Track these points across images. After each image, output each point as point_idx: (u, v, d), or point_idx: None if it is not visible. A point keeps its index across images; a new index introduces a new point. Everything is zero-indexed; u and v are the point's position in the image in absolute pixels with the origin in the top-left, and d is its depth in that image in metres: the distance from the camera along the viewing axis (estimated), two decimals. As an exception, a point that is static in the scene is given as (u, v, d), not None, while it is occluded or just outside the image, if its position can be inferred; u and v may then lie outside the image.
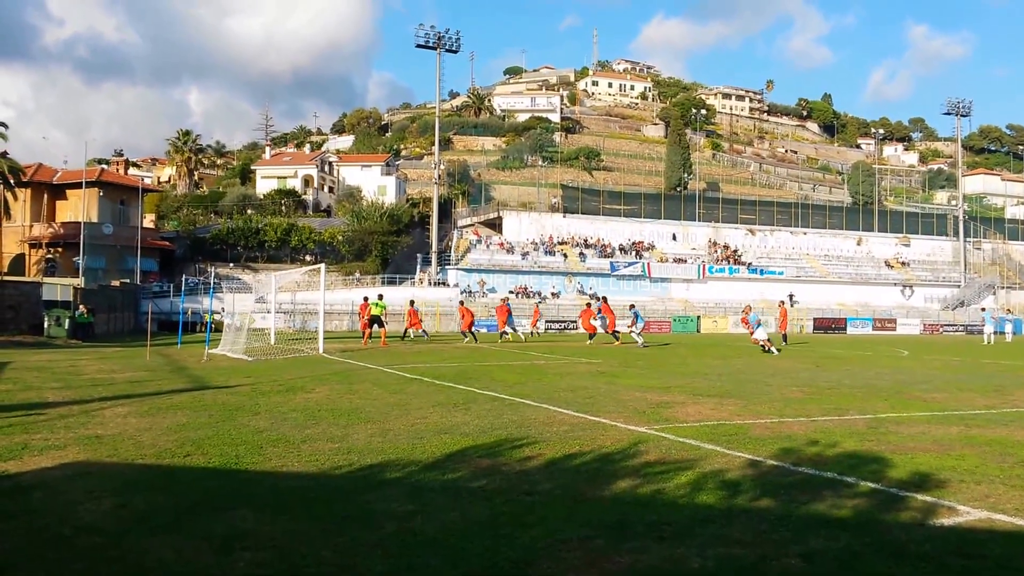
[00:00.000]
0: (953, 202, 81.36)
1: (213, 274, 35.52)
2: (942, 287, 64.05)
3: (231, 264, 53.02)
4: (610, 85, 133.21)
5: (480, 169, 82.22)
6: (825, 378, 15.75)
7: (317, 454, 7.13)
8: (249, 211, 63.04)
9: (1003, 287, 64.53)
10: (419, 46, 52.53)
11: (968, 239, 69.06)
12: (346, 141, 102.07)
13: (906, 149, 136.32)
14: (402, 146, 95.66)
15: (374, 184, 70.87)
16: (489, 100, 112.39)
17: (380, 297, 29.24)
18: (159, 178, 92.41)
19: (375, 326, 27.84)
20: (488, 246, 57.14)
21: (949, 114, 68.94)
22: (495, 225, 62.26)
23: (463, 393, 12.04)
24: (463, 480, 6.18)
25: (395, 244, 56.60)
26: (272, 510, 5.29)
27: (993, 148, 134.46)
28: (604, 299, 29.68)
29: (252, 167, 79.05)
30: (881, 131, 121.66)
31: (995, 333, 36.50)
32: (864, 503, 5.58)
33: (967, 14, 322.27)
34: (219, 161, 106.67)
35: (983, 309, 48.96)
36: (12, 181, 45.13)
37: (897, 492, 5.87)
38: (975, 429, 8.91)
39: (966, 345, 34.13)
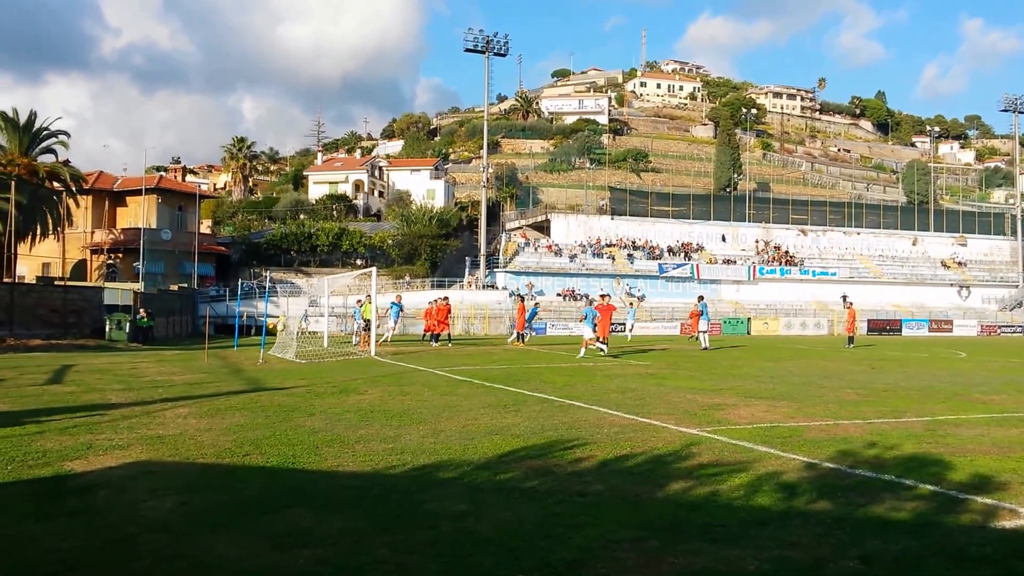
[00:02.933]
0: (1011, 200, 78.81)
1: (268, 278, 36.23)
2: (1000, 287, 62.09)
3: (284, 268, 54.06)
4: (658, 86, 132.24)
5: (528, 172, 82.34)
6: (880, 380, 15.43)
7: (371, 454, 7.25)
8: (302, 216, 64.16)
9: (1067, 287, 62.33)
10: (467, 50, 52.81)
11: (1029, 238, 66.79)
12: (395, 146, 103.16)
13: (962, 147, 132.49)
14: (450, 150, 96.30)
15: (423, 188, 71.49)
16: (537, 103, 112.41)
17: (445, 299, 29.88)
18: (215, 184, 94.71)
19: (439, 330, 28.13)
20: (536, 249, 57.18)
21: (1006, 111, 66.89)
22: (543, 228, 62.25)
23: (512, 395, 12.09)
24: (516, 481, 6.21)
25: (444, 247, 56.96)
26: (329, 509, 5.40)
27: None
28: (604, 295, 28.01)
29: (304, 173, 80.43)
30: (936, 129, 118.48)
31: None
32: (923, 506, 5.47)
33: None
34: (272, 167, 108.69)
35: None
36: (74, 188, 46.60)
37: (957, 495, 5.75)
38: (1039, 432, 8.66)
39: (1030, 347, 33.03)
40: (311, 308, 33.48)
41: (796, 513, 5.31)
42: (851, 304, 33.17)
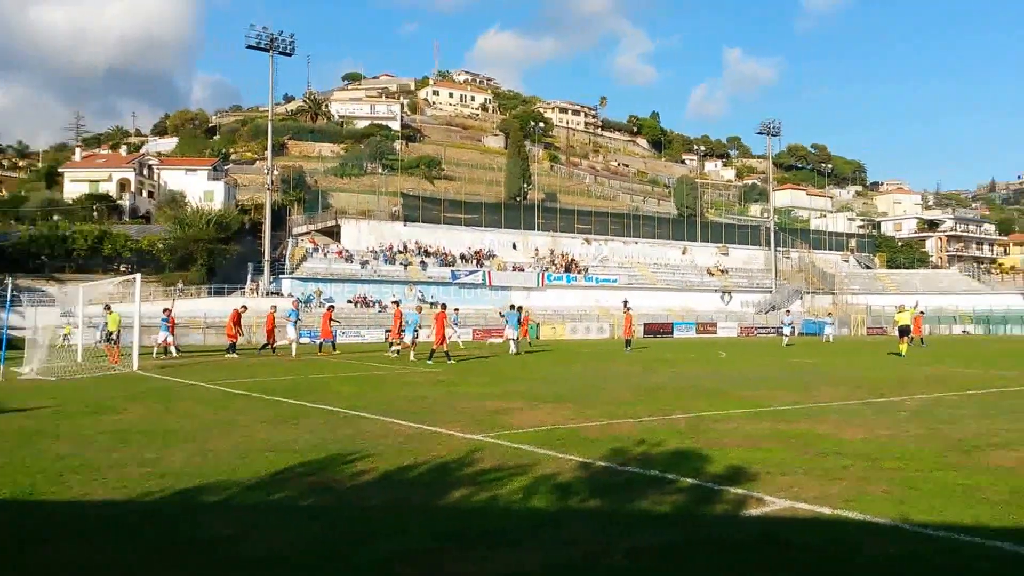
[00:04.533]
0: (765, 214, 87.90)
1: (10, 286, 32.18)
2: (756, 293, 68.98)
3: (34, 275, 48.40)
4: (451, 95, 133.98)
5: (317, 176, 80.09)
6: (653, 380, 16.49)
7: (126, 479, 6.56)
8: (56, 217, 57.89)
9: (809, 292, 70.56)
10: (250, 47, 50.30)
11: (778, 248, 74.79)
12: (169, 143, 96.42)
13: (725, 165, 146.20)
14: (232, 150, 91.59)
15: (200, 189, 67.22)
16: (327, 105, 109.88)
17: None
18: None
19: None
20: (325, 255, 55.68)
21: (762, 134, 74.46)
22: (333, 233, 60.81)
23: (293, 407, 11.58)
24: (291, 499, 5.92)
25: (223, 252, 53.89)
26: (71, 543, 4.80)
27: (800, 165, 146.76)
28: (443, 306, 28.42)
29: (60, 169, 72.81)
30: (702, 148, 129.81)
31: (789, 335, 39.62)
32: (684, 498, 5.82)
33: (777, 40, 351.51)
34: (21, 163, 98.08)
35: (788, 312, 53.26)
36: None
37: (713, 486, 6.18)
38: (782, 424, 9.59)
39: (777, 347, 36.85)
40: (67, 318, 30.10)
41: (571, 512, 5.46)
42: (629, 309, 35.21)
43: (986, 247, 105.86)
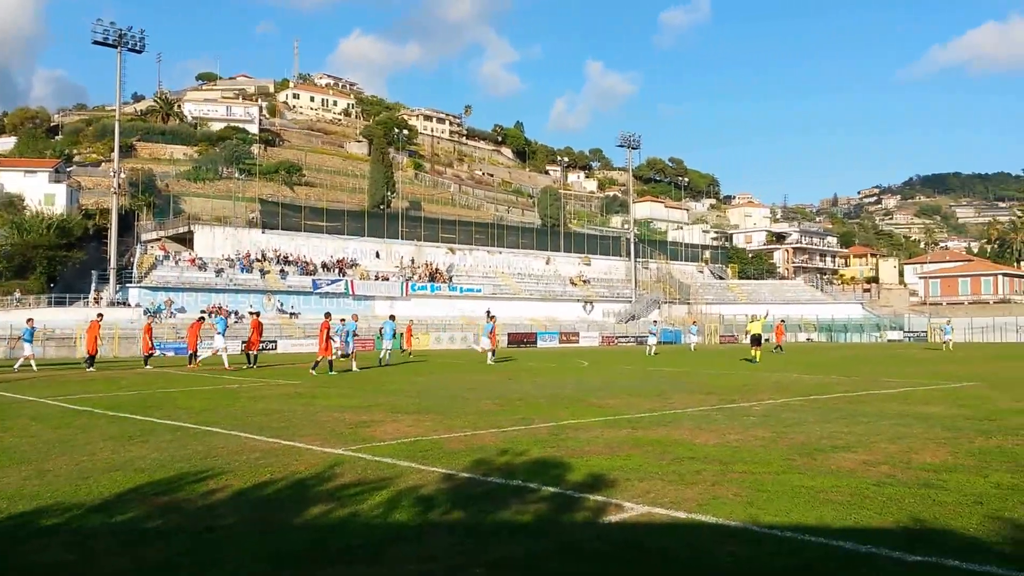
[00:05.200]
0: (626, 226, 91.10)
1: None
2: (617, 302, 71.31)
3: None
4: (312, 99, 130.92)
5: (168, 179, 76.01)
6: (516, 390, 16.70)
7: (-54, 508, 5.99)
8: None
9: (667, 302, 73.65)
10: (96, 43, 47.33)
11: (638, 259, 77.74)
12: (6, 143, 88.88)
13: (587, 176, 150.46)
14: (75, 151, 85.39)
15: (40, 192, 62.31)
16: (179, 106, 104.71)
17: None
18: None
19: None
20: (177, 262, 52.93)
21: (622, 146, 77.16)
22: (186, 240, 57.95)
23: (140, 424, 10.93)
24: (136, 521, 5.60)
25: (65, 260, 50.28)
26: None
27: (658, 178, 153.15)
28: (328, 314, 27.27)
29: None
30: (565, 159, 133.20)
31: (650, 344, 39.70)
32: (546, 507, 5.93)
33: (637, 55, 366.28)
34: None
35: (655, 322, 55.33)
36: None
37: (573, 494, 6.33)
38: (640, 431, 9.95)
39: (636, 355, 38.25)
40: None
41: (432, 525, 5.44)
42: (494, 318, 35.54)
43: (829, 259, 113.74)
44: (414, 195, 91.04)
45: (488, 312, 34.06)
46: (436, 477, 7.02)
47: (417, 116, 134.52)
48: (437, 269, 64.58)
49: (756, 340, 30.99)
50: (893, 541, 4.96)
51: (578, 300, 69.16)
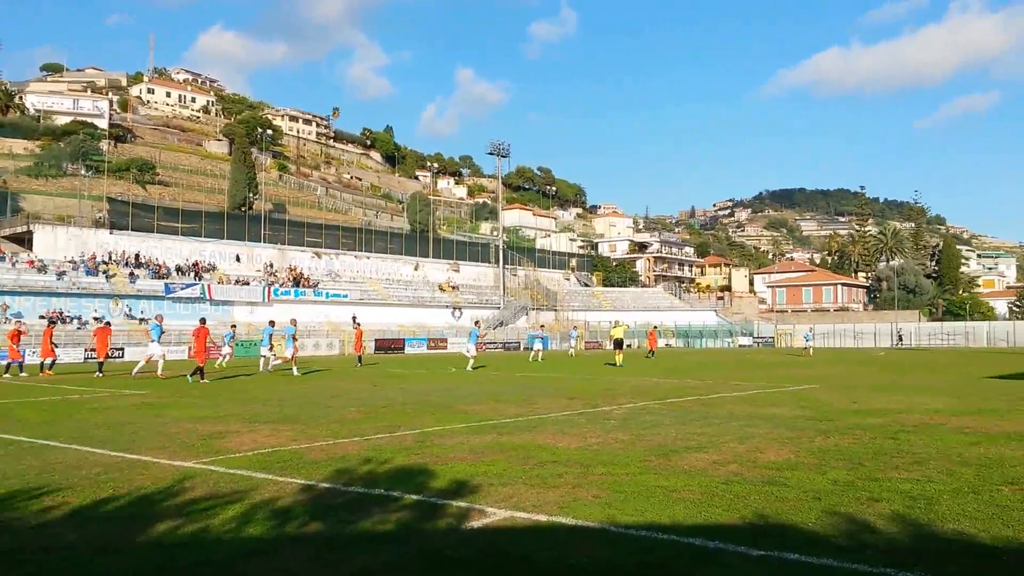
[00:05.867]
0: (495, 233, 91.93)
1: None
2: (486, 308, 71.73)
3: None
4: (168, 95, 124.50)
5: (6, 175, 70.31)
6: (381, 396, 16.45)
7: None
8: None
9: (534, 308, 74.80)
10: (-82, 20, 43.19)
11: (506, 266, 78.61)
12: None
13: (457, 183, 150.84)
14: None
15: None
16: (21, 97, 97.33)
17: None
18: None
19: None
20: (14, 264, 48.83)
21: (492, 154, 77.84)
22: (24, 240, 53.65)
23: (-35, 439, 9.97)
24: (-44, 546, 5.08)
25: None
26: None
27: (527, 187, 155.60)
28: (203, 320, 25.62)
29: None
30: (436, 165, 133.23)
31: (535, 349, 38.01)
32: (408, 515, 5.83)
33: (506, 64, 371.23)
34: None
35: (542, 326, 55.96)
36: None
37: (437, 501, 6.27)
38: (505, 436, 10.00)
39: (509, 360, 38.57)
40: None
41: (289, 538, 5.24)
42: (359, 324, 34.99)
43: (687, 268, 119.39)
44: (278, 197, 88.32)
45: (476, 321, 33.88)
46: (294, 489, 6.78)
47: (282, 116, 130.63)
48: (302, 274, 62.80)
49: (619, 344, 32.19)
50: (739, 537, 5.18)
51: (447, 306, 69.09)
